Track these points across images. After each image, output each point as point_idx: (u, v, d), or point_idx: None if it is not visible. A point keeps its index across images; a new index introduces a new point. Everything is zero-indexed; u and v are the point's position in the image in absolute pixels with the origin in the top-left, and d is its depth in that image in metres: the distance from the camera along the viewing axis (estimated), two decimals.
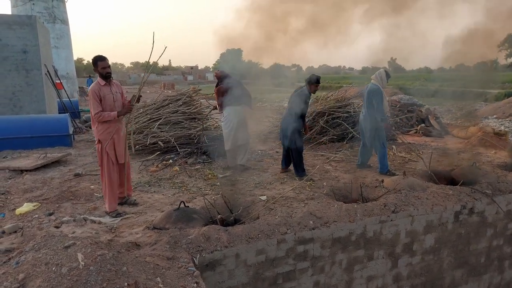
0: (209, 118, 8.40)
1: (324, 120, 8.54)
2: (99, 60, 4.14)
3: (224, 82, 5.93)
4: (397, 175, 5.58)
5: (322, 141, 8.12)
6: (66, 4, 22.74)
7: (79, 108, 13.06)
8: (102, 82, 4.18)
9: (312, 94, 5.66)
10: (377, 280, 4.55)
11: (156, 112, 7.98)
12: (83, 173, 5.83)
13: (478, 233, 5.12)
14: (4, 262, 2.91)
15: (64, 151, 7.18)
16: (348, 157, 6.96)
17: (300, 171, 5.61)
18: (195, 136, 7.32)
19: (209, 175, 5.84)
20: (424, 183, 5.20)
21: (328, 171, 6.04)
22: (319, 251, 4.04)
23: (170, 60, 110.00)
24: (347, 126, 8.34)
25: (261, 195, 4.81)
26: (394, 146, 7.82)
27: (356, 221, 4.19)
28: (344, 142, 8.08)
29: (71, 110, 11.32)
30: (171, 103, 8.25)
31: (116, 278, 2.55)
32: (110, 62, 4.25)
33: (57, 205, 4.46)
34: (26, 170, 5.82)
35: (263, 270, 3.77)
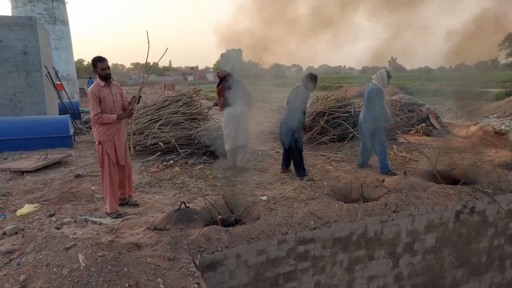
0: (209, 119, 8.41)
1: (324, 120, 8.55)
2: (98, 61, 4.14)
3: (226, 82, 5.94)
4: (398, 174, 5.58)
5: (322, 141, 8.13)
6: (66, 5, 22.75)
7: (80, 109, 13.06)
8: (102, 83, 4.18)
9: (310, 92, 5.67)
10: (378, 280, 4.54)
11: (157, 112, 8.00)
12: (84, 174, 5.83)
13: (479, 232, 5.12)
14: (5, 264, 2.92)
15: (65, 152, 7.19)
16: (349, 157, 6.96)
17: (301, 171, 5.62)
18: (195, 136, 7.33)
19: (210, 176, 5.85)
20: (425, 183, 5.20)
21: (328, 171, 6.04)
22: (320, 251, 4.04)
23: (170, 61, 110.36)
24: (347, 126, 8.34)
25: (261, 195, 4.81)
26: (394, 146, 7.83)
27: (357, 221, 4.18)
28: (345, 142, 8.07)
29: (72, 111, 11.32)
30: (171, 104, 8.27)
31: (117, 279, 2.55)
32: (110, 63, 4.27)
33: (58, 206, 4.47)
34: (27, 171, 5.83)
35: (264, 270, 3.77)
